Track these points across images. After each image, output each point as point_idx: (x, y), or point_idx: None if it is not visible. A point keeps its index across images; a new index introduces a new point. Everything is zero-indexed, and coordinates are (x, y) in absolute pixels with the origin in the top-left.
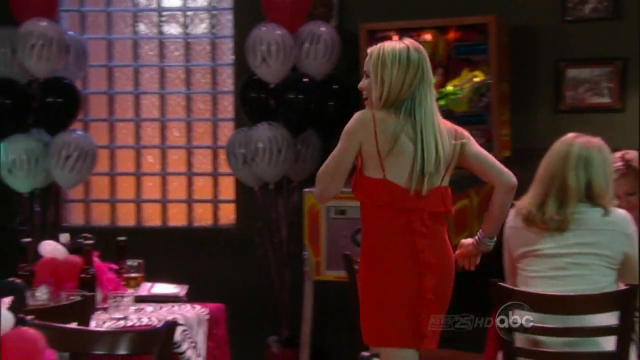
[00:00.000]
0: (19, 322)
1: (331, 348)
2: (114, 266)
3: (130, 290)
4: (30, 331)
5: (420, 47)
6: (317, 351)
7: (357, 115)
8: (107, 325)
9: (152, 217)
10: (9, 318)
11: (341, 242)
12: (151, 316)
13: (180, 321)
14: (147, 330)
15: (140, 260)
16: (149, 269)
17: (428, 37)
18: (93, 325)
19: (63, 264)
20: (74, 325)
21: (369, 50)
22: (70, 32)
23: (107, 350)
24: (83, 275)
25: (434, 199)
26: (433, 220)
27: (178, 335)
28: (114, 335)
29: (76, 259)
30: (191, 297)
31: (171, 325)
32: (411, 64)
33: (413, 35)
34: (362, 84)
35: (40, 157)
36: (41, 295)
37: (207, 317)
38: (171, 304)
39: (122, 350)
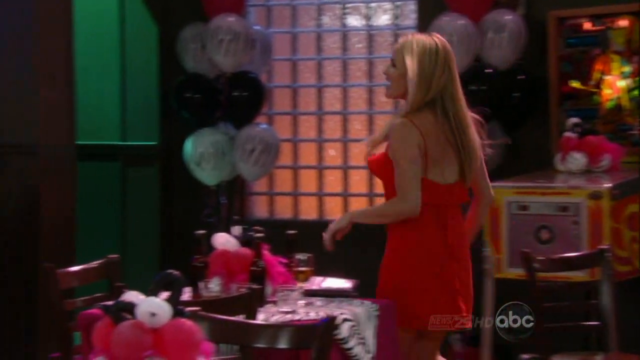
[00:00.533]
0: (177, 313)
1: (514, 347)
2: (284, 259)
3: (299, 284)
4: (188, 323)
5: (447, 43)
6: (500, 350)
7: (397, 124)
8: (275, 319)
9: (333, 211)
10: (166, 309)
11: (523, 238)
12: (319, 311)
13: (349, 317)
14: (306, 325)
15: (309, 254)
16: (328, 262)
17: (624, 23)
18: (261, 318)
19: (234, 256)
20: (241, 317)
21: (400, 40)
22: (257, 27)
23: (268, 344)
24: (253, 268)
25: (463, 191)
26: (459, 211)
27: (346, 330)
28: (274, 329)
29: (247, 251)
30: (366, 293)
31: (330, 321)
32: (439, 59)
33: (606, 22)
34: (387, 70)
35: (227, 150)
36: (214, 287)
37: (377, 313)
38: (340, 299)
39: (282, 345)
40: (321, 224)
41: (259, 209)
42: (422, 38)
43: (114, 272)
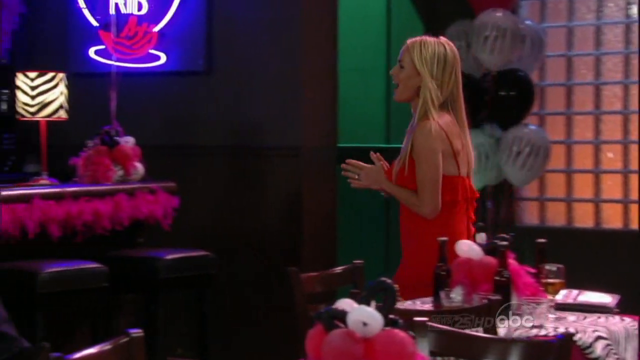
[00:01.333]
0: (390, 323)
1: None
2: (532, 270)
3: (548, 297)
4: (400, 334)
5: (454, 46)
6: None
7: (425, 129)
8: (518, 333)
9: (610, 220)
10: (378, 319)
11: None
12: (570, 326)
13: (603, 334)
14: (540, 342)
15: (560, 265)
16: (599, 275)
17: None
18: (503, 331)
19: (478, 265)
20: (479, 330)
21: (408, 42)
22: (528, 22)
23: None
24: (497, 278)
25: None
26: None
27: (600, 349)
28: (504, 344)
29: (491, 260)
30: (629, 310)
31: (567, 337)
32: (448, 62)
33: None
34: (395, 71)
35: (490, 153)
36: (455, 296)
37: (638, 332)
38: (597, 315)
39: None
40: (596, 233)
41: (529, 215)
42: (431, 41)
43: (358, 277)
